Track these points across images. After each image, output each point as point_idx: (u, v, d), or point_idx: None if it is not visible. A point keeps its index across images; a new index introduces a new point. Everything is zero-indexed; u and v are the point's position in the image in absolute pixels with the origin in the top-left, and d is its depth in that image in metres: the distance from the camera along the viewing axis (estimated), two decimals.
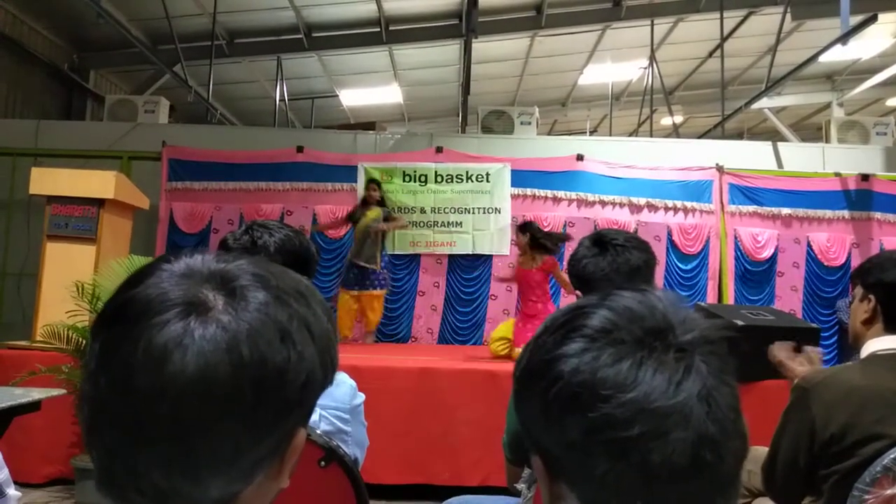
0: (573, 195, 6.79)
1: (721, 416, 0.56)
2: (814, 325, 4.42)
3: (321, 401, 1.48)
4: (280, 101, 9.59)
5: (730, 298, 6.55)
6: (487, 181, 6.85)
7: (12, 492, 1.08)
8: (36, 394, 2.60)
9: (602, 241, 1.76)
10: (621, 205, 6.78)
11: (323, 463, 1.34)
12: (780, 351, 1.93)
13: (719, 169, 6.81)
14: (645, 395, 0.55)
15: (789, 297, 6.69)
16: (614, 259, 1.71)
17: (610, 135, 10.85)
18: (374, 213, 6.21)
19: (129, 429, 0.53)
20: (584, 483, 0.58)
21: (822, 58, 6.13)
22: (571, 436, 0.57)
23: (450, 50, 9.13)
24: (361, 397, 1.61)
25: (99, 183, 4.73)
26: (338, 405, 1.52)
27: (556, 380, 0.58)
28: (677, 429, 0.55)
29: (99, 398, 0.54)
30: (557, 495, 0.61)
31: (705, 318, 0.62)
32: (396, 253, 6.80)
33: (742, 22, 8.51)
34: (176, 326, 0.53)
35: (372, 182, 6.45)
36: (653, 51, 8.84)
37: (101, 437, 0.54)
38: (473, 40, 7.05)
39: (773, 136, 9.37)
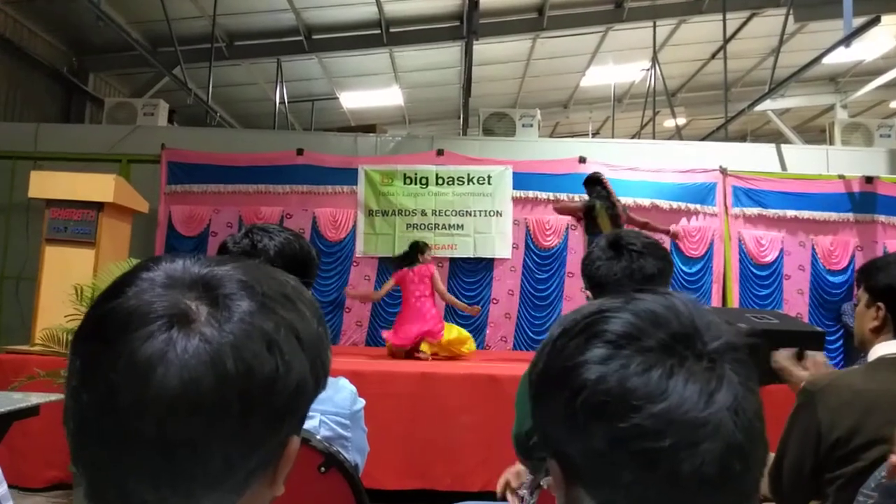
0: (576, 197, 6.75)
1: (748, 424, 0.57)
2: (819, 328, 4.39)
3: (321, 406, 1.48)
4: (280, 103, 9.59)
5: (734, 301, 6.51)
6: (489, 184, 6.83)
7: None
8: (35, 398, 2.62)
9: (618, 244, 1.71)
10: (625, 207, 6.73)
11: (323, 469, 1.33)
12: (783, 357, 1.91)
13: (723, 171, 6.79)
14: (677, 405, 0.55)
15: (795, 301, 6.66)
16: (629, 265, 1.67)
17: (612, 137, 10.83)
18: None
19: (115, 445, 0.51)
20: (606, 490, 0.57)
21: (826, 59, 6.12)
22: (597, 444, 0.56)
23: (451, 52, 9.12)
24: (362, 403, 1.60)
25: (98, 186, 4.74)
26: (338, 410, 1.51)
27: (580, 388, 0.57)
28: (708, 439, 0.54)
29: (83, 414, 0.53)
30: (574, 499, 0.60)
31: None
32: (398, 256, 6.77)
33: (745, 24, 8.50)
34: (159, 340, 0.52)
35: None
36: (655, 52, 8.82)
37: (87, 452, 0.53)
38: (474, 42, 7.04)
39: (777, 139, 9.32)
